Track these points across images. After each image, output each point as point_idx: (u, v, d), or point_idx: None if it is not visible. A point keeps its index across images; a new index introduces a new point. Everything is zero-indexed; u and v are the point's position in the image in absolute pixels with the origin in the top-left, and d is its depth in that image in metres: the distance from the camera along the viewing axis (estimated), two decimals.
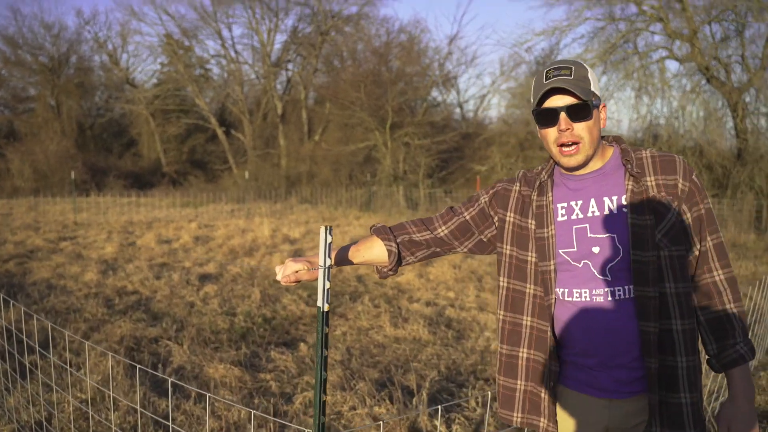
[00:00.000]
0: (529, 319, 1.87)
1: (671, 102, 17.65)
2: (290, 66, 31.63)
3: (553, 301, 1.82)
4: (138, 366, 2.41)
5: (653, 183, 1.73)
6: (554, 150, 1.76)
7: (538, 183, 1.88)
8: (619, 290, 1.73)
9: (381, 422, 2.18)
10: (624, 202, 1.74)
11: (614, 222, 1.74)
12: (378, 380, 4.51)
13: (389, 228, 2.03)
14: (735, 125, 16.98)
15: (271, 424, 3.63)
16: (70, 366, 4.51)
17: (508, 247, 1.92)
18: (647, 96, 17.82)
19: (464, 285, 7.99)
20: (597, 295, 1.75)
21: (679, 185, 1.73)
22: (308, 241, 11.71)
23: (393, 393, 4.18)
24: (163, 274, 8.22)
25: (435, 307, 6.85)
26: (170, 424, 2.28)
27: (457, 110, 28.35)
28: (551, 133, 1.75)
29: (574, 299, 1.78)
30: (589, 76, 1.75)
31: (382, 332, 5.82)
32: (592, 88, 1.74)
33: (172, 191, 24.29)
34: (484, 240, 1.99)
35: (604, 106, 1.81)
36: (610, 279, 1.73)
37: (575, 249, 1.78)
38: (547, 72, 1.75)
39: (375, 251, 2.00)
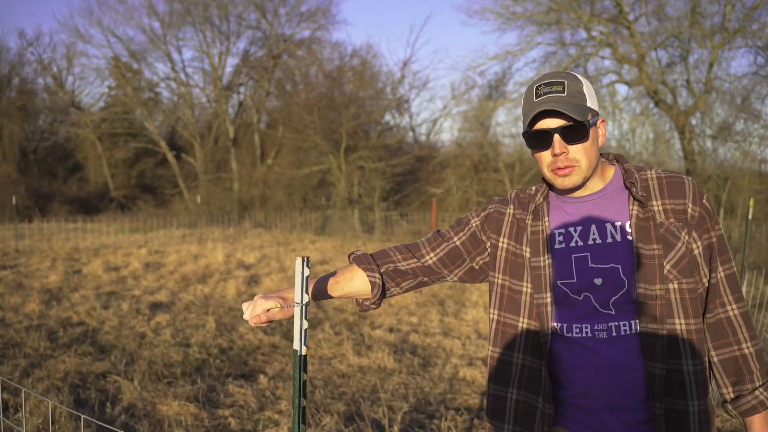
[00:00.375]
0: (520, 356, 1.68)
1: (622, 124, 18.09)
2: (242, 89, 31.28)
3: (549, 336, 1.63)
4: (82, 416, 2.13)
5: (660, 208, 1.58)
6: (548, 174, 1.62)
7: (533, 206, 1.71)
8: (624, 325, 1.56)
9: None
10: (629, 229, 1.58)
11: (618, 251, 1.58)
12: (345, 413, 4.27)
13: (371, 256, 1.81)
14: (682, 147, 17.45)
15: None
16: (6, 409, 4.13)
17: (501, 276, 1.73)
18: None
19: (426, 309, 7.82)
20: (599, 330, 1.58)
21: (689, 210, 1.58)
22: (264, 266, 11.38)
23: (363, 428, 3.95)
24: (112, 304, 7.80)
25: (398, 333, 6.64)
26: None
27: (411, 134, 28.44)
28: (545, 157, 1.60)
29: (574, 335, 1.61)
30: (584, 90, 1.59)
31: (346, 361, 5.59)
32: (588, 104, 1.58)
33: (120, 216, 23.54)
34: (476, 267, 1.79)
35: (602, 121, 1.65)
36: (613, 313, 1.57)
37: (575, 280, 1.61)
38: (537, 88, 1.59)
39: (356, 283, 1.77)
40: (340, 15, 43.10)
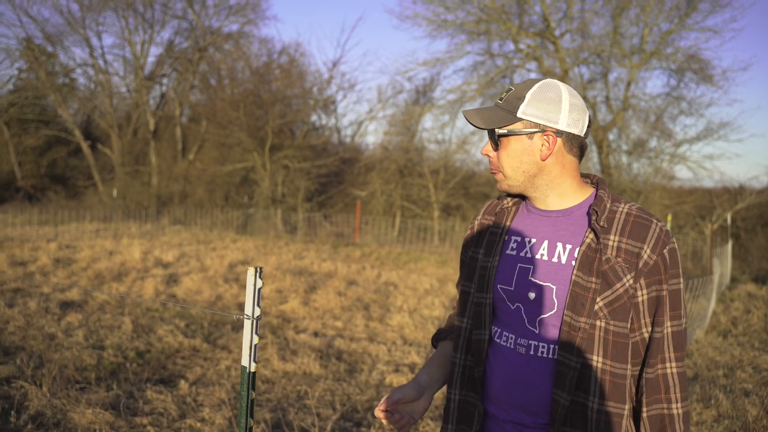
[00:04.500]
0: (462, 356, 1.69)
1: None
2: (165, 81, 30.26)
3: (485, 337, 1.64)
4: None
5: (615, 244, 1.51)
6: None
7: (498, 208, 1.72)
8: (543, 347, 1.56)
9: None
10: (575, 255, 1.54)
11: (557, 272, 1.55)
12: (271, 421, 4.14)
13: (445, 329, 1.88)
14: (600, 160, 18.13)
15: None
16: None
17: (464, 281, 1.74)
18: None
19: (352, 314, 7.75)
20: (521, 345, 1.58)
21: (644, 256, 1.50)
22: (183, 265, 11.01)
23: None
24: (17, 302, 7.32)
25: (324, 338, 6.55)
26: None
27: (336, 135, 28.28)
28: None
29: (502, 342, 1.62)
30: (527, 98, 1.55)
31: (270, 366, 5.44)
32: (519, 113, 1.54)
33: (27, 207, 22.26)
34: None
35: (546, 135, 1.55)
36: (537, 332, 1.56)
37: (512, 288, 1.60)
38: None
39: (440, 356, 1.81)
40: (270, 11, 42.60)
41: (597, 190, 1.62)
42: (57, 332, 6.06)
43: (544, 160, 1.56)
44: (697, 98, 17.89)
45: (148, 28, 28.53)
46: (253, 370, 1.30)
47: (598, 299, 1.49)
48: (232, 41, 28.51)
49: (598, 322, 1.49)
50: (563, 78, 17.53)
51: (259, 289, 1.30)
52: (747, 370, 5.95)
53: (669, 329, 1.54)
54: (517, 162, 1.57)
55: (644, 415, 1.56)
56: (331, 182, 23.89)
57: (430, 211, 19.93)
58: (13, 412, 4.02)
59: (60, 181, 29.20)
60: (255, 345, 1.31)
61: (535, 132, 1.55)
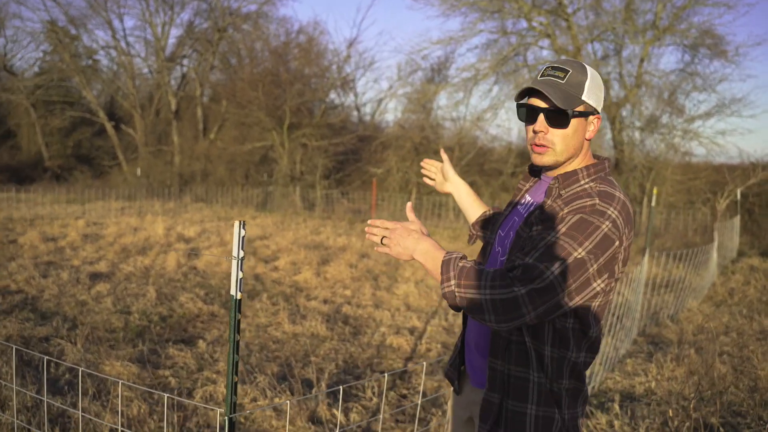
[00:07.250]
0: None
1: None
2: (185, 62, 30.77)
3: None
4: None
5: (554, 204, 1.70)
6: (529, 147, 1.79)
7: (528, 168, 1.96)
8: None
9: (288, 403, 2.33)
10: (528, 210, 1.79)
11: (515, 225, 1.81)
12: (278, 374, 4.63)
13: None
14: (613, 137, 18.30)
15: (175, 416, 3.68)
16: None
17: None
18: None
19: (361, 284, 8.22)
20: None
21: (556, 207, 1.67)
22: (204, 240, 11.55)
23: (293, 385, 4.32)
24: (51, 273, 7.90)
25: (332, 304, 7.02)
26: (79, 412, 2.32)
27: (355, 113, 28.64)
28: (529, 131, 1.76)
29: None
30: (587, 83, 1.70)
31: (281, 328, 5.93)
32: (583, 97, 1.70)
33: (55, 187, 23.02)
34: None
35: (597, 118, 1.76)
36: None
37: (503, 234, 1.86)
38: (545, 68, 1.74)
39: (477, 212, 2.21)
40: None
41: (584, 167, 1.74)
42: (88, 299, 6.61)
43: (588, 140, 1.76)
44: (710, 74, 17.92)
45: (168, 9, 28.97)
46: (238, 297, 1.74)
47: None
48: (251, 21, 28.86)
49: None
50: (576, 55, 17.69)
51: (243, 237, 1.72)
52: (731, 336, 6.30)
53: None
54: (575, 142, 1.72)
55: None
56: (348, 160, 24.30)
57: None
58: (53, 364, 4.56)
59: (85, 161, 29.99)
60: (240, 279, 1.74)
61: (590, 114, 1.74)
